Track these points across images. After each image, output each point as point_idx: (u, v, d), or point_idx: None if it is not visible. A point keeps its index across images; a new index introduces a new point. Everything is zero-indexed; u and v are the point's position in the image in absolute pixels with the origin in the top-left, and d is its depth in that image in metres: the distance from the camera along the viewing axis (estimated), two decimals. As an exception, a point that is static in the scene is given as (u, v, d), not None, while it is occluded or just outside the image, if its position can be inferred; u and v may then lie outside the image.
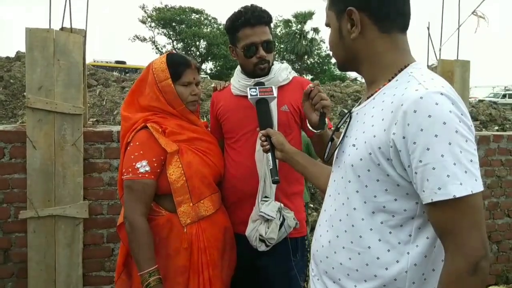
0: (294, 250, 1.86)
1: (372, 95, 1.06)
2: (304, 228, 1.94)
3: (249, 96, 1.64)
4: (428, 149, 0.86)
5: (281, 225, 1.72)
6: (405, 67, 1.02)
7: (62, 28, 2.53)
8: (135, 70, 21.83)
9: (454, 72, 3.25)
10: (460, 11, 3.28)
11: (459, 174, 0.85)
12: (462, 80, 3.30)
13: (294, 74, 1.93)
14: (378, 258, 0.99)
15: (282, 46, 40.00)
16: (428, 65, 3.35)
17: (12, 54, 10.18)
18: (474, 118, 7.78)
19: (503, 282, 3.56)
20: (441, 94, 0.88)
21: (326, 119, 1.51)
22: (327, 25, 1.13)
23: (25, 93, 2.50)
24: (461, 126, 0.87)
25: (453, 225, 0.87)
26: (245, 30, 1.76)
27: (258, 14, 1.75)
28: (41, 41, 2.42)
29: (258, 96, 1.63)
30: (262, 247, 1.74)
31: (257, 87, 1.66)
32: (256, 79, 1.81)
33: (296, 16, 39.64)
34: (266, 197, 1.78)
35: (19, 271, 2.54)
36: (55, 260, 2.54)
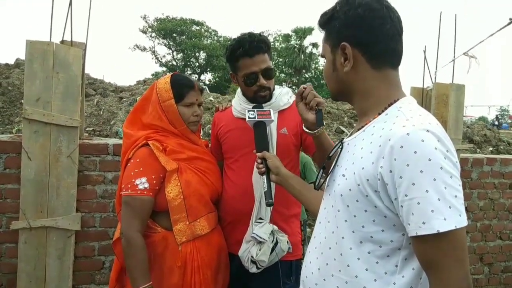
0: (288, 273, 1.86)
1: (362, 127, 1.08)
2: (300, 251, 1.93)
3: (247, 119, 1.66)
4: (413, 184, 0.88)
5: (273, 248, 1.72)
6: (395, 101, 1.05)
7: (63, 41, 2.56)
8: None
9: (449, 95, 3.29)
10: (456, 36, 3.35)
11: (443, 209, 0.86)
12: (457, 104, 3.34)
13: (294, 98, 1.95)
14: None
15: (281, 59, 40.29)
16: (423, 88, 3.39)
17: (11, 61, 10.22)
18: (469, 139, 7.82)
19: (494, 305, 3.56)
20: (427, 131, 0.90)
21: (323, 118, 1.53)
22: (323, 56, 1.16)
23: (22, 101, 2.52)
24: (445, 162, 0.89)
25: (437, 258, 0.89)
26: (244, 60, 1.78)
27: (256, 44, 1.77)
28: (41, 54, 2.44)
29: (256, 118, 1.65)
30: (253, 269, 1.74)
31: (255, 110, 1.68)
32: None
33: (296, 31, 40.01)
34: (260, 218, 1.78)
35: (8, 282, 2.52)
36: (45, 272, 2.52)
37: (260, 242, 1.72)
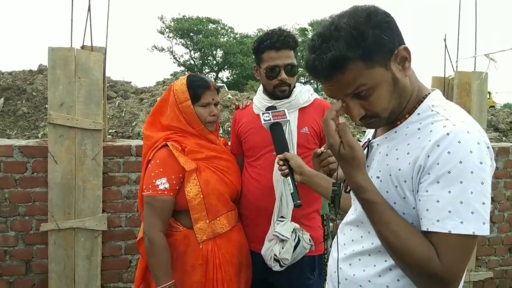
0: (312, 268, 1.87)
1: (393, 127, 1.06)
2: (322, 246, 1.94)
3: (262, 122, 1.66)
4: (461, 182, 0.88)
5: (296, 246, 1.73)
6: (424, 98, 1.03)
7: (83, 47, 2.61)
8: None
9: (471, 84, 3.21)
10: (477, 23, 3.27)
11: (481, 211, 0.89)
12: (480, 92, 3.26)
13: (316, 96, 1.97)
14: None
15: (298, 54, 40.10)
16: (445, 77, 3.33)
17: (34, 67, 10.50)
18: (494, 127, 7.63)
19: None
20: (468, 132, 0.91)
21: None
22: (367, 90, 0.97)
23: (47, 106, 2.59)
24: (482, 166, 0.90)
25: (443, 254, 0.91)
26: (269, 53, 1.82)
27: (284, 38, 1.81)
28: (63, 60, 2.50)
29: (272, 120, 1.65)
30: (276, 267, 1.75)
31: (270, 112, 1.67)
32: (276, 100, 1.86)
33: (312, 24, 39.67)
34: (282, 217, 1.79)
35: (40, 282, 2.61)
36: (74, 271, 2.60)
37: (282, 240, 1.73)
